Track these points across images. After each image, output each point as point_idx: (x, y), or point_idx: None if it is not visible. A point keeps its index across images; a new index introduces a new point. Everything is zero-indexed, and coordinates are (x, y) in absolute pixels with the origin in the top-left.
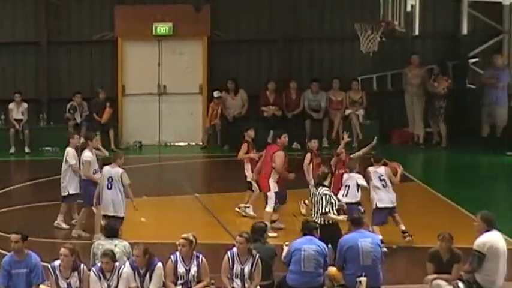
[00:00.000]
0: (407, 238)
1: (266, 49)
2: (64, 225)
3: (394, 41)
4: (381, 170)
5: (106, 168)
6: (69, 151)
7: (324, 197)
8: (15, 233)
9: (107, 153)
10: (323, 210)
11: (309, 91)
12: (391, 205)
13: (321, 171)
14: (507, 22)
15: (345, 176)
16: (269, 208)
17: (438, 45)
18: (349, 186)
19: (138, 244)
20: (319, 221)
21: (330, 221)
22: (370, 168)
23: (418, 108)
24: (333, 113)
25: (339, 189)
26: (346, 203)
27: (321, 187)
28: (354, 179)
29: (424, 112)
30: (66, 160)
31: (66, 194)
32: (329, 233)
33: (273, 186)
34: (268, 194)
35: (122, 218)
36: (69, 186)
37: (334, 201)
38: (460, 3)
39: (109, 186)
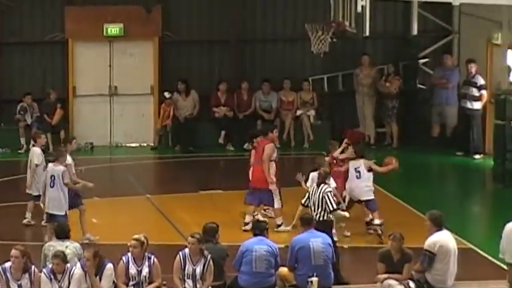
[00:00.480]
0: (371, 231)
1: (218, 50)
2: (32, 222)
3: (345, 42)
4: (359, 162)
5: (50, 166)
6: (36, 150)
7: (328, 195)
8: None
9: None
10: (332, 208)
11: (260, 92)
12: (361, 198)
13: (323, 170)
14: (456, 23)
15: (313, 173)
16: (277, 204)
17: (389, 45)
18: None
19: (89, 247)
20: (322, 218)
21: (329, 217)
22: (351, 163)
23: (369, 109)
24: (284, 114)
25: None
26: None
27: (323, 185)
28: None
29: (374, 112)
30: (31, 160)
31: (37, 193)
32: (327, 227)
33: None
34: (271, 188)
35: (64, 216)
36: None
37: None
38: (410, 4)
39: (51, 185)
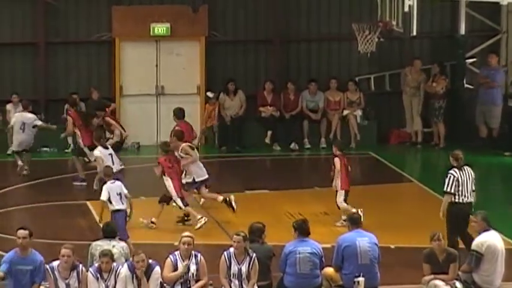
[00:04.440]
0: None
1: (263, 49)
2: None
3: (391, 42)
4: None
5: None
6: None
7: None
8: (22, 229)
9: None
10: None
11: (307, 91)
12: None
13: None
14: (504, 22)
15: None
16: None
17: (436, 45)
18: (120, 194)
19: (138, 252)
20: (471, 199)
21: None
22: (184, 144)
23: (416, 109)
24: (330, 114)
25: None
26: (117, 210)
27: (466, 167)
28: (119, 187)
29: (421, 112)
30: None
31: None
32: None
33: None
34: None
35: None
36: None
37: None
38: (457, 3)
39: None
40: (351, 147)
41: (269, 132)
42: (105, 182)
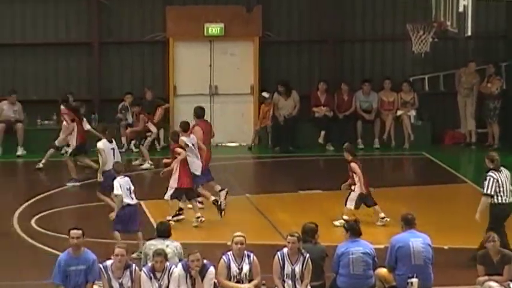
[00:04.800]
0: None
1: (317, 50)
2: None
3: (446, 42)
4: (192, 138)
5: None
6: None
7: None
8: (75, 229)
9: None
10: None
11: (361, 92)
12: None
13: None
14: None
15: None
16: None
17: (491, 45)
18: (130, 189)
19: (194, 251)
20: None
21: None
22: (183, 138)
23: (470, 110)
24: (384, 114)
25: None
26: (127, 205)
27: (503, 168)
28: (127, 182)
29: (476, 113)
30: None
31: None
32: None
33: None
34: None
35: None
36: None
37: None
38: None
39: None
40: (405, 148)
41: (322, 133)
42: (115, 177)
